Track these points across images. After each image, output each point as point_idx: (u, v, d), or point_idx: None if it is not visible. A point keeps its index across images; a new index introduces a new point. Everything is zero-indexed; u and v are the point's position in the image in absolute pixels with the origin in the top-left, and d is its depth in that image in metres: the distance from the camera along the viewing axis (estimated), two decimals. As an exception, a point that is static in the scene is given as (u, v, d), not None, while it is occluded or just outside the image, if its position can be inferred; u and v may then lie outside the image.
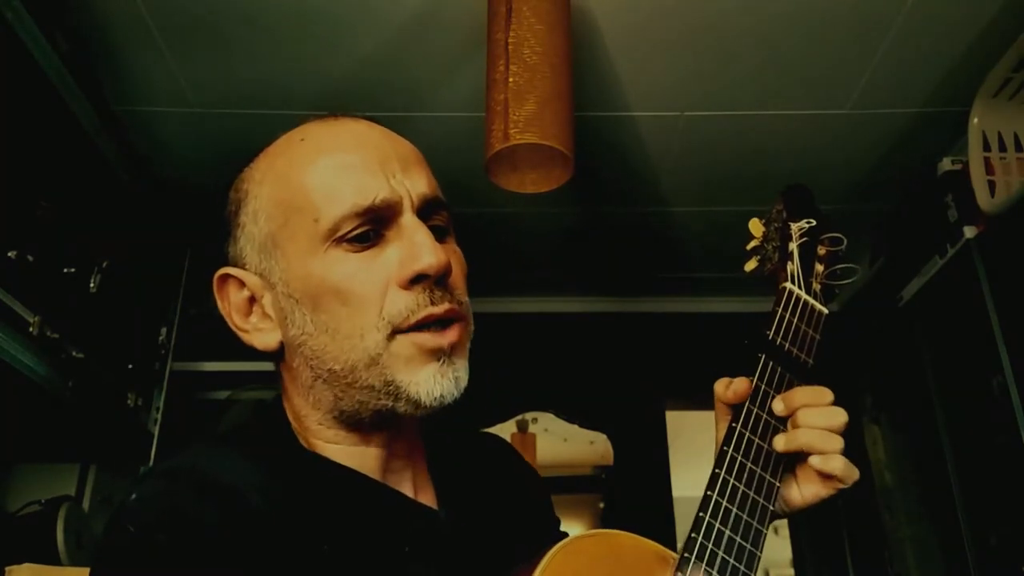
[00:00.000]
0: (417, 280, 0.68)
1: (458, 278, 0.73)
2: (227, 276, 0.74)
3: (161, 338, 2.36)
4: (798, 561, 3.12)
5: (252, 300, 0.73)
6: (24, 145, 1.65)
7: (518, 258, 2.95)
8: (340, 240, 0.68)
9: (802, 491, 0.78)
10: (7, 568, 1.56)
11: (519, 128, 1.52)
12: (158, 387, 2.33)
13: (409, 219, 0.70)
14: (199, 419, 2.68)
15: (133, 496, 0.62)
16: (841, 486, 0.76)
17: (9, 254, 1.56)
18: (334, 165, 0.70)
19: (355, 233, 0.68)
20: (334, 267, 0.68)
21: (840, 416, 0.76)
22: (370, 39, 1.94)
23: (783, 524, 3.50)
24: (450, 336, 0.69)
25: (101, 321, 1.92)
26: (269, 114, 2.16)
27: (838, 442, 0.75)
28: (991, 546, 2.01)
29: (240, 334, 0.74)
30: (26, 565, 1.59)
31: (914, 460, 2.53)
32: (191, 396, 2.68)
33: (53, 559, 1.92)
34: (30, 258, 1.61)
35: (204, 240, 2.60)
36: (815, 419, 0.76)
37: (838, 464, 0.74)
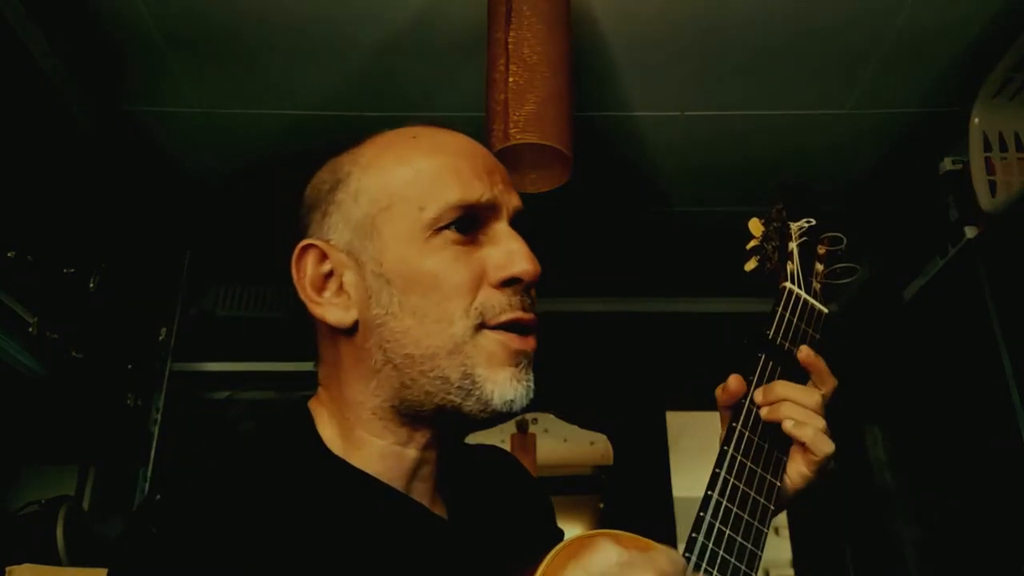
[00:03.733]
0: (510, 283, 0.71)
1: (534, 293, 0.76)
2: (309, 247, 0.74)
3: (161, 338, 2.36)
4: (798, 561, 3.12)
5: (329, 275, 0.74)
6: (24, 145, 1.66)
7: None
8: (440, 230, 0.71)
9: (790, 475, 0.79)
10: (7, 568, 1.57)
11: (519, 128, 1.52)
12: (158, 387, 2.34)
13: (505, 227, 0.74)
14: (199, 419, 2.68)
15: (158, 496, 0.63)
16: (814, 458, 0.77)
17: (8, 254, 1.56)
18: (445, 163, 0.74)
19: (456, 226, 0.71)
20: (433, 255, 0.70)
21: (812, 394, 0.78)
22: (371, 39, 1.94)
23: (783, 524, 3.50)
24: (532, 343, 0.73)
25: (101, 321, 1.93)
26: (271, 114, 2.16)
27: (812, 416, 0.77)
28: (991, 547, 2.01)
29: (311, 305, 0.73)
30: (26, 565, 1.60)
31: (914, 460, 2.53)
32: (191, 396, 2.68)
33: (53, 559, 1.92)
34: (30, 258, 1.62)
35: (204, 240, 2.61)
36: (785, 392, 0.78)
37: (808, 431, 0.76)
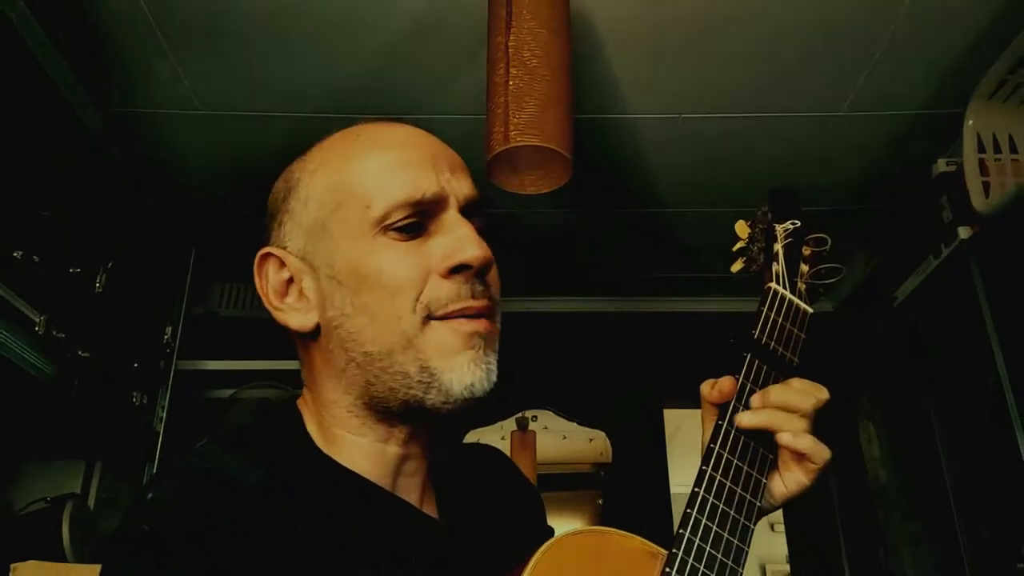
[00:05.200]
0: (459, 270, 0.71)
1: (494, 278, 0.76)
2: (268, 256, 0.76)
3: (166, 337, 2.38)
4: (794, 557, 3.14)
5: (290, 282, 0.75)
6: (29, 146, 1.67)
7: (518, 258, 2.96)
8: (388, 228, 0.71)
9: (785, 481, 0.78)
10: (13, 565, 1.58)
11: (519, 130, 1.53)
12: (163, 386, 2.35)
13: (453, 215, 0.73)
14: (204, 417, 2.69)
15: (149, 495, 0.64)
16: (814, 466, 0.76)
17: (15, 254, 1.58)
18: (389, 160, 0.73)
19: (403, 223, 0.71)
20: (380, 253, 0.70)
21: (806, 399, 0.77)
22: (372, 42, 1.96)
23: (779, 520, 3.51)
24: (484, 324, 0.72)
25: (106, 320, 1.94)
26: (272, 116, 2.17)
27: (803, 422, 0.76)
28: (985, 543, 2.03)
29: (275, 313, 0.75)
30: (31, 562, 1.61)
31: (909, 458, 2.55)
32: (196, 395, 2.70)
33: (58, 556, 1.93)
34: (36, 258, 1.63)
35: (209, 240, 2.63)
36: (780, 397, 0.77)
37: (807, 441, 0.75)
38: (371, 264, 0.70)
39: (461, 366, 0.70)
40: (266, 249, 0.76)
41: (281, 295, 0.75)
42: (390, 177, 0.72)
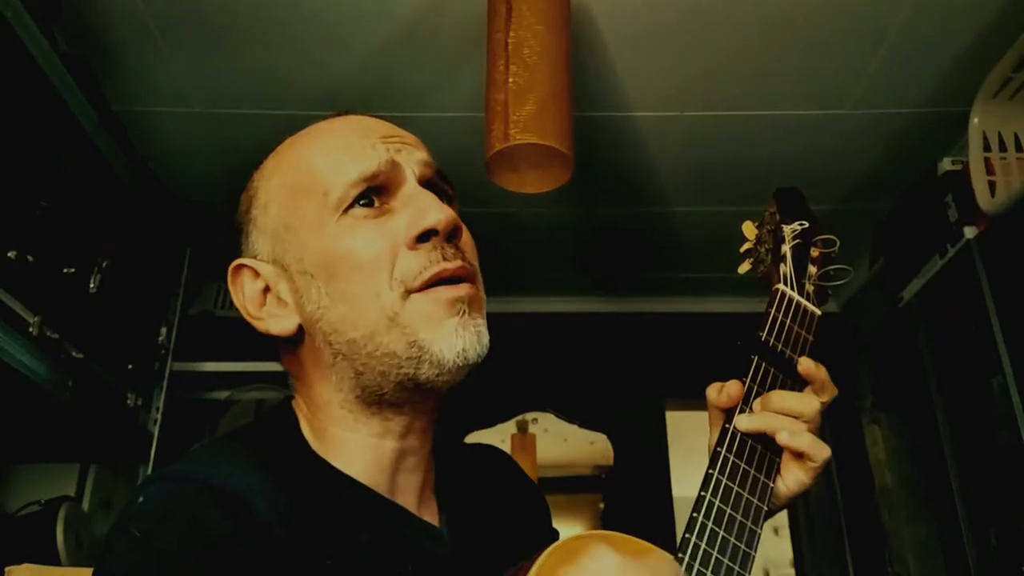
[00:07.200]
0: (425, 237, 0.70)
1: (468, 245, 0.75)
2: (241, 267, 0.76)
3: (161, 338, 2.36)
4: (798, 561, 3.12)
5: (266, 290, 0.75)
6: (24, 145, 1.66)
7: (518, 258, 2.95)
8: (348, 209, 0.71)
9: (786, 481, 0.78)
10: (7, 568, 1.56)
11: (519, 128, 1.52)
12: (158, 387, 2.33)
13: (412, 186, 0.73)
14: (199, 419, 2.68)
15: (139, 500, 0.62)
16: (813, 464, 0.76)
17: (9, 254, 1.56)
18: (339, 145, 0.74)
19: (363, 201, 0.71)
20: (345, 236, 0.70)
21: (811, 403, 0.77)
22: (370, 39, 1.94)
23: (784, 524, 3.49)
24: (465, 288, 0.71)
25: (101, 321, 1.92)
26: (269, 114, 2.16)
27: (802, 424, 0.76)
28: (991, 546, 2.01)
29: (255, 323, 0.75)
30: (26, 565, 1.59)
31: (914, 460, 2.53)
32: (191, 396, 2.68)
33: (53, 559, 1.92)
34: (30, 258, 1.62)
35: (204, 240, 2.61)
36: (782, 402, 0.77)
37: (805, 440, 0.75)
38: (340, 248, 0.70)
39: (449, 333, 0.68)
40: (237, 261, 0.76)
41: (259, 304, 0.75)
42: (342, 159, 0.72)
